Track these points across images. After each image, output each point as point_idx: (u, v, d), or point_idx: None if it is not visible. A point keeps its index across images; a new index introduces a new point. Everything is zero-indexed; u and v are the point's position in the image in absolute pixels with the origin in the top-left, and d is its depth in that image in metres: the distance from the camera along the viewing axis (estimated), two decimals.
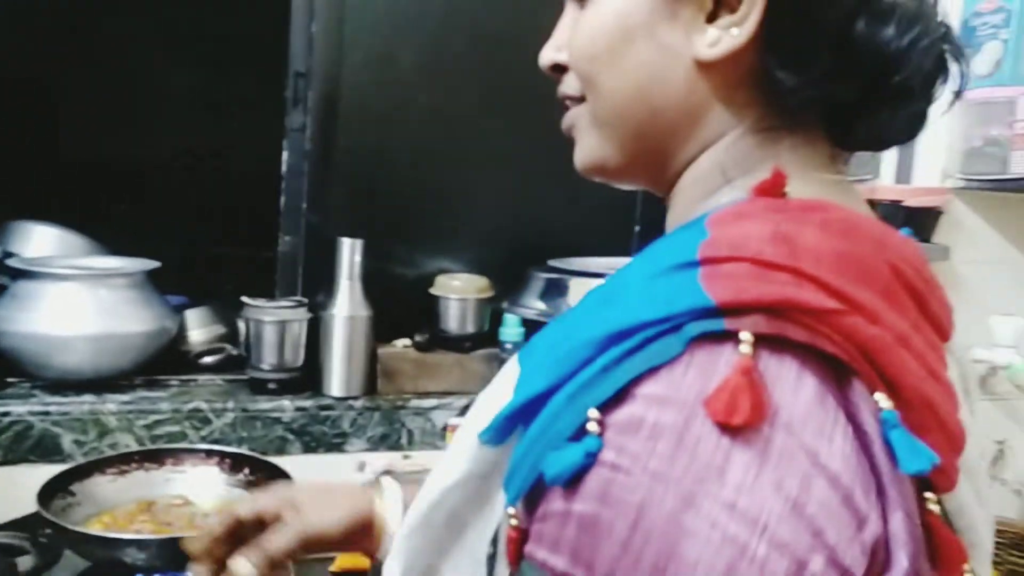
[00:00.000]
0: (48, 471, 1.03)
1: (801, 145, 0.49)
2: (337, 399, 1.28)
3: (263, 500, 0.66)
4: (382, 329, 1.36)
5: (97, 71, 2.03)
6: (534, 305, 1.20)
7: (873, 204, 1.41)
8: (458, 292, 1.37)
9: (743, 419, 0.35)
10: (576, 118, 0.53)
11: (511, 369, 0.47)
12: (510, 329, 1.40)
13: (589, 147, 0.52)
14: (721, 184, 0.48)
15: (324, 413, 1.27)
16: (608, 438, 0.36)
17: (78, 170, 2.03)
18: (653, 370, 0.37)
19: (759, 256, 0.39)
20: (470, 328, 1.38)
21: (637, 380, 0.37)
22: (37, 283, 1.21)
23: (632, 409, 0.36)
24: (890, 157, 1.51)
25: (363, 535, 0.65)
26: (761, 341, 0.36)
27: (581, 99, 0.52)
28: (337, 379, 1.29)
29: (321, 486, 0.69)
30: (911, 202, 1.44)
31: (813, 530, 0.35)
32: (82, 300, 1.21)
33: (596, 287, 0.47)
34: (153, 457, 1.10)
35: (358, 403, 1.29)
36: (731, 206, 0.44)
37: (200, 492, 1.10)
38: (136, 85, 2.08)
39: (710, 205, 0.47)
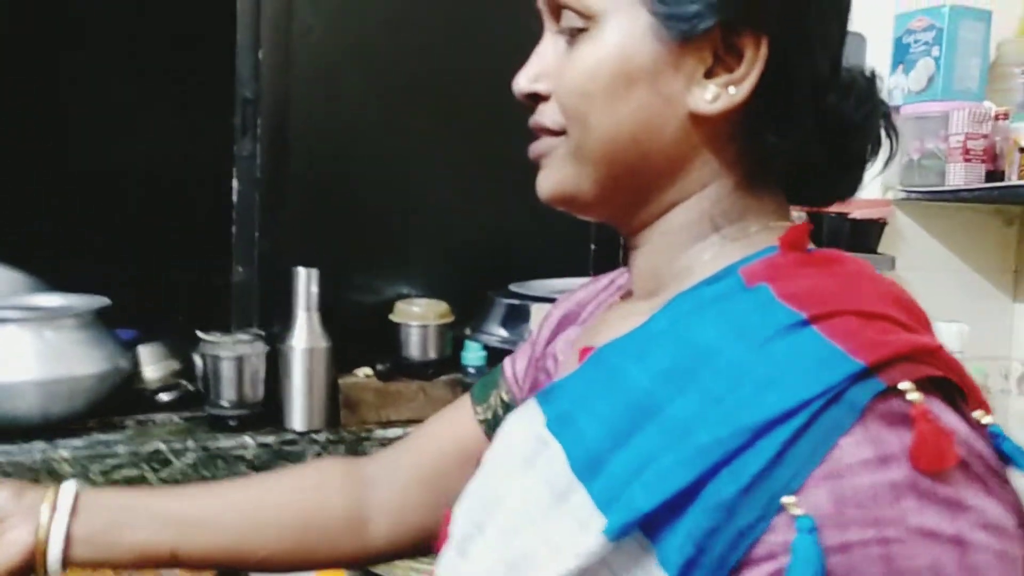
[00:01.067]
0: None
1: (770, 197, 0.53)
2: (300, 433, 1.27)
3: None
4: (342, 359, 1.34)
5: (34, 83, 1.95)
6: (496, 332, 1.20)
7: (820, 217, 1.47)
8: (418, 319, 1.36)
9: (955, 459, 0.38)
10: (550, 148, 0.53)
11: (544, 446, 0.45)
12: (472, 354, 1.41)
13: (561, 178, 0.52)
14: (709, 232, 0.51)
15: (287, 448, 1.25)
16: (850, 516, 0.37)
17: (11, 194, 1.95)
18: (837, 443, 0.37)
19: (858, 308, 0.42)
20: (432, 354, 1.37)
21: (828, 456, 0.37)
22: None
23: (854, 481, 0.37)
24: None
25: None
26: (917, 385, 0.39)
27: (559, 132, 0.52)
28: (299, 413, 1.27)
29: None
30: (856, 214, 1.49)
31: None
32: (27, 343, 1.16)
33: (619, 349, 0.47)
34: None
35: (321, 436, 1.27)
36: (765, 259, 0.48)
37: None
38: (79, 101, 2.00)
39: (705, 255, 0.51)
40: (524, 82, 0.54)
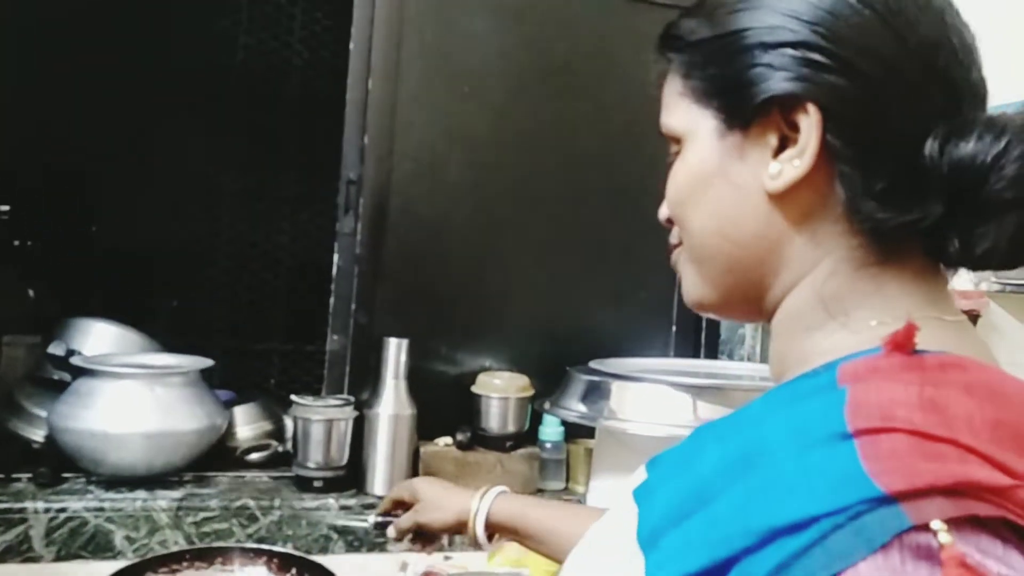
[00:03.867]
0: (99, 567, 1.06)
1: (909, 280, 0.48)
2: (380, 498, 1.30)
3: (400, 491, 0.99)
4: (424, 426, 1.38)
5: (148, 168, 2.12)
6: (575, 407, 1.22)
7: None
8: (499, 391, 1.40)
9: None
10: (677, 258, 0.57)
11: (626, 509, 0.48)
12: (550, 428, 1.43)
13: (690, 285, 0.56)
14: (825, 320, 0.49)
15: (368, 512, 1.28)
16: None
17: (129, 265, 2.11)
18: (851, 567, 0.35)
19: (914, 427, 0.38)
20: (511, 427, 1.40)
21: None
22: (98, 381, 1.26)
23: None
24: None
25: (462, 529, 0.92)
26: (952, 524, 0.35)
27: (680, 244, 0.56)
28: (380, 477, 1.31)
29: (441, 491, 0.96)
30: None
31: None
32: (140, 398, 1.25)
33: (716, 428, 0.47)
34: (203, 556, 1.12)
35: None
36: (864, 359, 0.44)
37: None
38: (188, 183, 2.16)
39: (822, 343, 0.48)
40: (661, 211, 0.58)
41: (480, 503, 0.91)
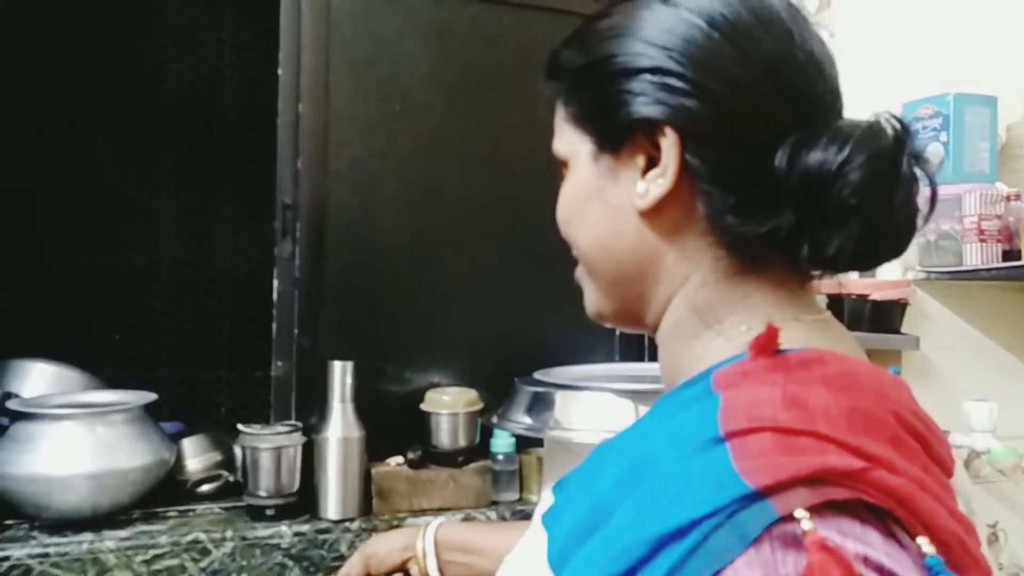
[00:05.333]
0: None
1: (773, 286, 0.51)
2: (334, 522, 1.30)
3: (350, 567, 1.00)
4: (375, 447, 1.38)
5: (80, 193, 2.07)
6: (521, 419, 1.24)
7: (840, 299, 1.49)
8: (448, 407, 1.41)
9: None
10: (578, 274, 0.60)
11: (537, 534, 0.50)
12: (501, 440, 1.44)
13: (588, 297, 0.60)
14: (701, 329, 0.52)
15: (322, 537, 1.28)
16: None
17: (68, 296, 2.06)
18: (728, 564, 0.37)
19: (777, 424, 0.41)
20: (462, 442, 1.41)
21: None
22: (36, 424, 1.23)
23: None
24: None
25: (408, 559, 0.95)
26: (816, 510, 0.38)
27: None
28: (333, 502, 1.31)
29: (384, 534, 1.02)
30: (877, 295, 1.52)
31: None
32: (81, 438, 1.23)
33: (611, 444, 0.50)
34: None
35: (354, 525, 1.30)
36: (734, 364, 0.46)
37: None
38: (124, 207, 2.12)
39: (699, 353, 0.51)
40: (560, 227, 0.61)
41: (425, 531, 0.95)
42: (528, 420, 1.22)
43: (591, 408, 1.17)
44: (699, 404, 0.45)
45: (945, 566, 0.38)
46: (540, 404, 1.23)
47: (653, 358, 1.63)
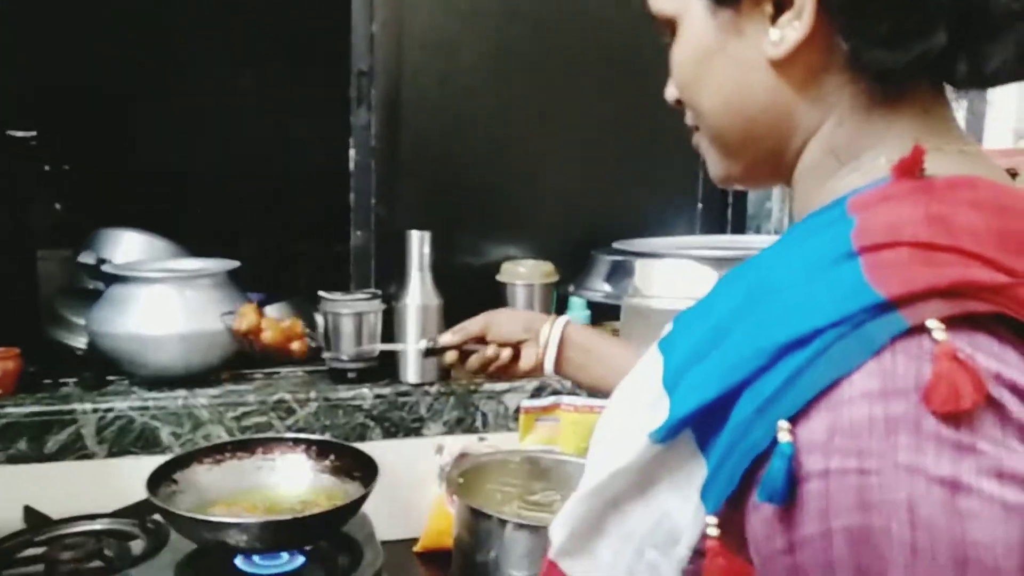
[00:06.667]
0: (148, 462, 1.10)
1: (913, 115, 0.48)
2: (413, 386, 1.33)
3: (471, 325, 0.99)
4: (451, 317, 1.39)
5: (164, 80, 2.12)
6: (600, 287, 1.22)
7: None
8: (524, 278, 1.40)
9: (971, 402, 0.35)
10: (699, 141, 0.57)
11: (653, 359, 0.50)
12: (576, 312, 1.43)
13: (714, 164, 0.57)
14: (837, 167, 0.50)
15: (402, 399, 1.32)
16: (837, 445, 0.36)
17: (153, 177, 2.13)
18: (848, 375, 0.36)
19: (917, 239, 0.39)
20: (538, 312, 1.40)
21: (834, 386, 0.36)
22: (130, 287, 1.28)
23: (852, 411, 0.36)
24: (958, 120, 1.47)
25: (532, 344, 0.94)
26: (950, 323, 0.36)
27: (697, 126, 0.56)
28: (412, 367, 1.34)
29: (511, 311, 1.05)
30: None
31: None
32: (172, 301, 1.27)
33: (735, 273, 0.49)
34: (245, 447, 1.17)
35: (433, 389, 1.33)
36: (874, 189, 0.44)
37: (289, 478, 1.16)
38: (203, 92, 2.16)
39: (834, 187, 0.49)
40: (669, 92, 0.58)
41: (554, 322, 0.94)
42: (607, 288, 1.20)
43: (671, 275, 1.14)
44: (832, 228, 0.43)
45: None
46: (619, 272, 1.21)
47: (736, 230, 1.57)
